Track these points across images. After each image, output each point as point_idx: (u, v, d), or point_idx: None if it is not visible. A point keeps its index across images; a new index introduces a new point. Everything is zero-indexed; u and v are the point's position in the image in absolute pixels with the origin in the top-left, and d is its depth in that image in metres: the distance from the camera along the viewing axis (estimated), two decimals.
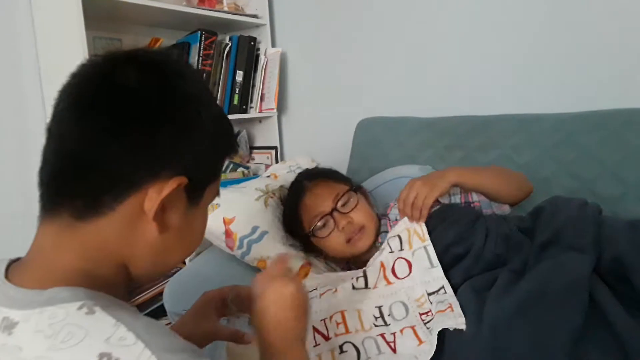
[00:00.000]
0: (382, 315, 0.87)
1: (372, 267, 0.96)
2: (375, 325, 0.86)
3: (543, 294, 0.76)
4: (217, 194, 0.60)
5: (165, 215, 0.51)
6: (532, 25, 1.40)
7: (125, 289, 0.55)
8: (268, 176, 1.29)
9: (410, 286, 0.90)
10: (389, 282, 0.93)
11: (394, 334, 0.84)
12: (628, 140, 1.15)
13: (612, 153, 1.17)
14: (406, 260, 0.94)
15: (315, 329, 0.88)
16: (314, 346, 0.86)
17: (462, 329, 0.78)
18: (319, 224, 1.08)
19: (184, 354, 0.42)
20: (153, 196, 0.48)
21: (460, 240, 0.93)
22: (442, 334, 0.79)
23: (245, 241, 1.12)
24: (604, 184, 1.16)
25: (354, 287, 0.94)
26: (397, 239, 0.98)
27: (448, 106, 1.51)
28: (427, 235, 0.95)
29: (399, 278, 0.93)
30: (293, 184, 1.19)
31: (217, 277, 1.14)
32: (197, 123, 0.53)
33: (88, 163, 0.48)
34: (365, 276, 0.95)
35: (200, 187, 0.55)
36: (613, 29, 1.28)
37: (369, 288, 0.93)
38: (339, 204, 1.07)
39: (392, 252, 0.96)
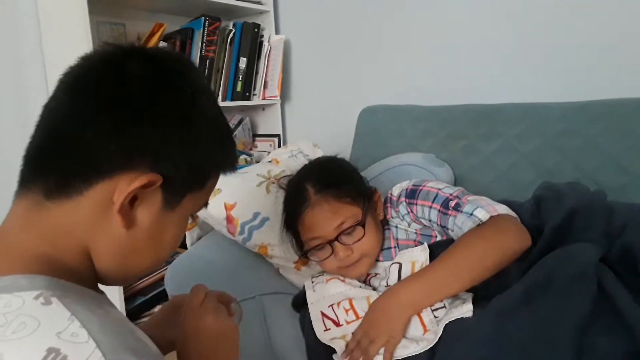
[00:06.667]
0: None
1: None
2: None
3: (550, 282, 0.74)
4: (204, 205, 0.58)
5: (134, 211, 0.50)
6: (536, 14, 1.38)
7: (93, 280, 0.53)
8: (269, 161, 1.29)
9: None
10: None
11: None
12: (633, 130, 1.14)
13: (616, 143, 1.15)
14: None
15: (323, 314, 0.89)
16: (324, 331, 0.87)
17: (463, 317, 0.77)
18: (315, 247, 0.96)
19: (137, 357, 0.40)
20: (123, 187, 0.47)
21: None
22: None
23: (247, 227, 1.12)
24: (607, 174, 1.15)
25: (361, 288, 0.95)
26: (397, 266, 0.94)
27: (451, 95, 1.50)
28: None
29: None
30: (295, 186, 1.00)
31: (219, 261, 1.14)
32: (185, 124, 0.51)
33: (65, 142, 0.48)
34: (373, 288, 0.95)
35: (179, 192, 0.53)
36: (619, 19, 1.26)
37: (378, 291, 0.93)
38: (343, 233, 0.93)
39: (387, 286, 0.93)
